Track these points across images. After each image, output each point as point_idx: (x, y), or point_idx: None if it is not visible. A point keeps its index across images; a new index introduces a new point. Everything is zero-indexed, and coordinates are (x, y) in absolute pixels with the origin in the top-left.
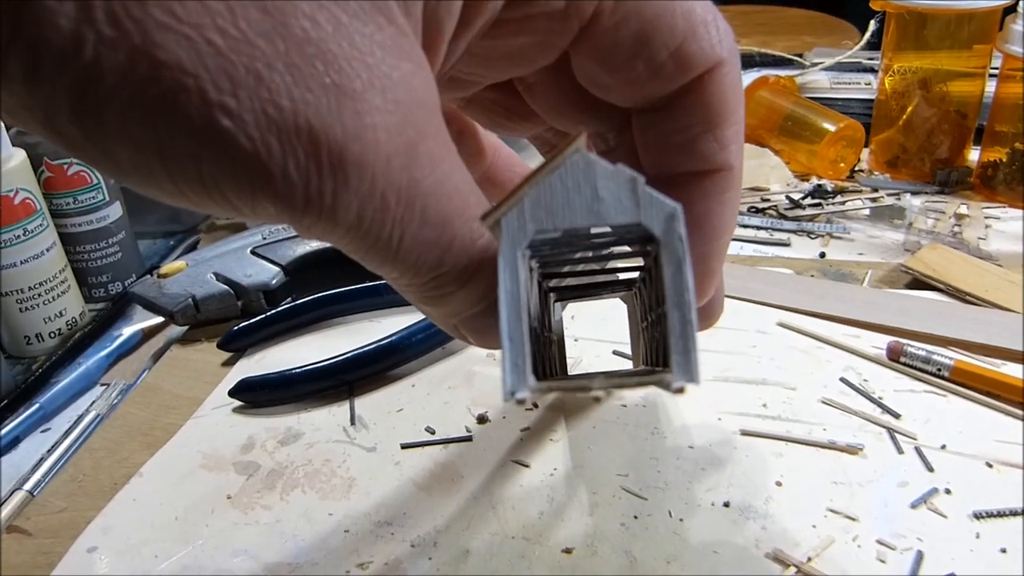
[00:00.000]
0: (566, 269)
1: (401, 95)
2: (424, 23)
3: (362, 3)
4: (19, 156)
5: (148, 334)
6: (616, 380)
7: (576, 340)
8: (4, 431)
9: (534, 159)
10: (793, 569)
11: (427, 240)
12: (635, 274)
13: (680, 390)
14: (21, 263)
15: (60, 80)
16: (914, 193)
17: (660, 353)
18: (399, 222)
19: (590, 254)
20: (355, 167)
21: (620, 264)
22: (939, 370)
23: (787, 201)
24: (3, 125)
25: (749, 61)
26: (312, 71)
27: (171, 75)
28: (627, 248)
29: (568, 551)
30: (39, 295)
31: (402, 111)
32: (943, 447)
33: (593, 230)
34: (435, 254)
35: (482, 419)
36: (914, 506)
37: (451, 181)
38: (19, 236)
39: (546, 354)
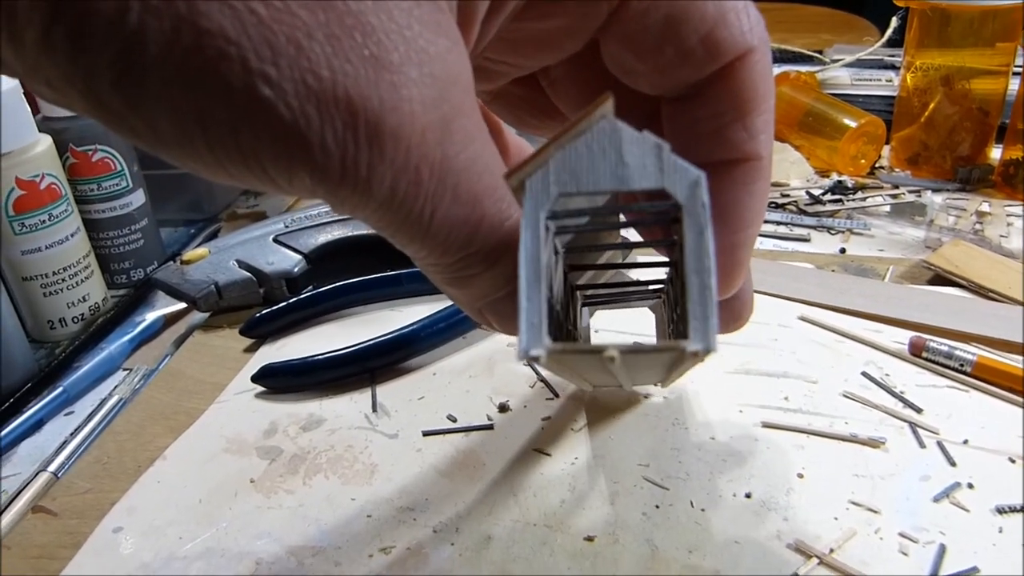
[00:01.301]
0: (590, 277)
1: (437, 70)
2: (460, 1)
3: None
4: (45, 142)
5: (170, 320)
6: (630, 346)
7: (597, 331)
8: (28, 414)
9: None
10: (815, 560)
11: (458, 217)
12: (661, 283)
13: (696, 355)
14: (46, 248)
15: (104, 49)
16: (935, 190)
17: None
18: (431, 197)
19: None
20: (391, 138)
21: (646, 273)
22: (961, 365)
23: (807, 197)
24: (30, 111)
25: None
26: (351, 42)
27: (214, 43)
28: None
29: (590, 539)
30: (63, 280)
31: (438, 86)
32: (965, 442)
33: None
34: (465, 232)
35: (503, 408)
36: (936, 500)
37: (482, 160)
38: (44, 221)
39: None
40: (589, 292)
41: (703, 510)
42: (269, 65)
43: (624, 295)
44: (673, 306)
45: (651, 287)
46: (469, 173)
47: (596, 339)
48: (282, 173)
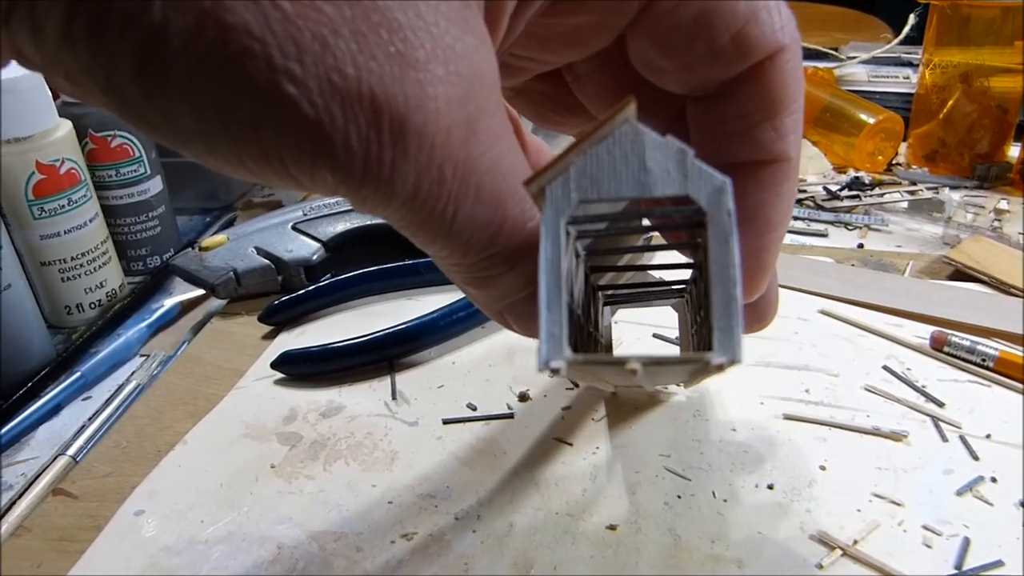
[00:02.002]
0: (611, 277)
1: (463, 68)
2: (487, 1)
3: None
4: (65, 127)
5: (187, 307)
6: (654, 357)
7: (616, 322)
8: (46, 398)
9: None
10: (839, 552)
11: (480, 218)
12: (684, 283)
13: (721, 367)
14: (65, 233)
15: (125, 41)
16: (953, 187)
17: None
18: (454, 197)
19: (638, 243)
20: (415, 137)
21: (669, 272)
22: (983, 360)
23: (824, 192)
24: (51, 95)
25: None
26: (377, 39)
27: (238, 39)
28: (677, 251)
29: (612, 528)
30: (81, 265)
31: (464, 84)
32: (988, 436)
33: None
34: (487, 233)
35: (523, 397)
36: (959, 493)
37: (507, 160)
38: (63, 206)
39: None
40: (610, 292)
41: (725, 501)
42: (294, 62)
43: (646, 294)
44: (697, 308)
45: (674, 286)
46: (493, 174)
47: (615, 330)
48: (304, 171)
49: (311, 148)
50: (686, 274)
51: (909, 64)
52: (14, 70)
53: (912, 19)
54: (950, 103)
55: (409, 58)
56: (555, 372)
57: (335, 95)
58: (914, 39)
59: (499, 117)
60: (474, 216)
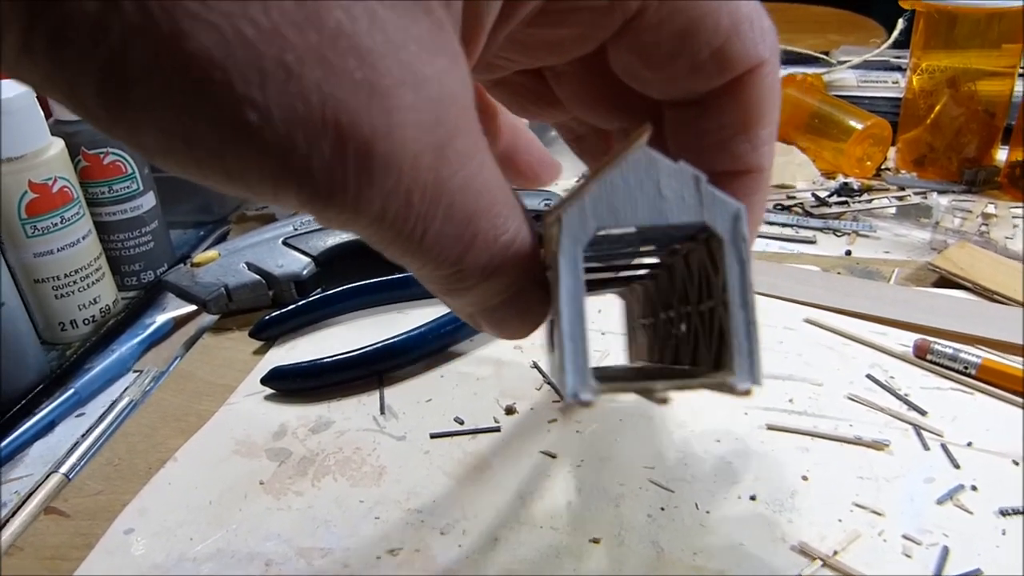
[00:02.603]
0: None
1: (434, 92)
2: (464, 16)
3: None
4: (58, 145)
5: (180, 322)
6: (678, 383)
7: (603, 334)
8: (40, 415)
9: (560, 151)
10: (819, 563)
11: (449, 236)
12: (636, 271)
13: (747, 392)
14: (58, 251)
15: (85, 65)
16: (941, 192)
17: (690, 352)
18: (422, 218)
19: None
20: (381, 164)
21: (626, 262)
22: (966, 368)
23: (813, 199)
24: (42, 115)
25: None
26: (343, 65)
27: (199, 66)
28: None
29: (596, 541)
30: (74, 282)
31: (434, 109)
32: (969, 444)
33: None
34: (457, 250)
35: (510, 410)
36: (940, 502)
37: (479, 179)
38: (56, 224)
39: None
40: None
41: (708, 512)
42: (256, 90)
43: (591, 283)
44: (660, 304)
45: (622, 275)
46: (464, 193)
47: (599, 341)
48: (268, 193)
49: (273, 174)
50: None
51: (898, 68)
52: (5, 90)
53: (901, 23)
54: (938, 108)
55: (377, 85)
56: (585, 404)
57: (298, 123)
58: (903, 43)
59: (472, 135)
60: (444, 234)
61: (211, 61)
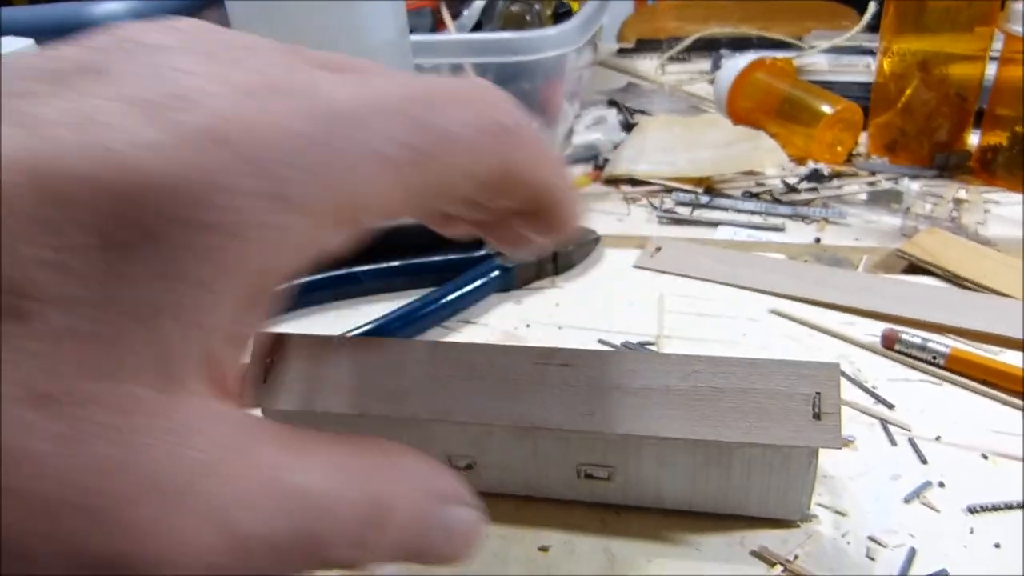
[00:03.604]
0: None
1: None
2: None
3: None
4: None
5: None
6: None
7: (560, 328)
8: None
9: None
10: (779, 568)
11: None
12: None
13: None
14: None
15: None
16: (912, 177)
17: None
18: None
19: None
20: None
21: None
22: (934, 358)
23: (782, 185)
24: None
25: (747, 43)
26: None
27: None
28: None
29: (544, 549)
30: None
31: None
32: (938, 438)
33: None
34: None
35: None
36: (907, 500)
37: None
38: None
39: None
40: None
41: (664, 515)
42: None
43: None
44: None
45: None
46: None
47: (557, 335)
48: None
49: None
50: None
51: (870, 52)
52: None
53: (872, 6)
54: (908, 92)
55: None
56: None
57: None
58: (876, 27)
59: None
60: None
61: None
